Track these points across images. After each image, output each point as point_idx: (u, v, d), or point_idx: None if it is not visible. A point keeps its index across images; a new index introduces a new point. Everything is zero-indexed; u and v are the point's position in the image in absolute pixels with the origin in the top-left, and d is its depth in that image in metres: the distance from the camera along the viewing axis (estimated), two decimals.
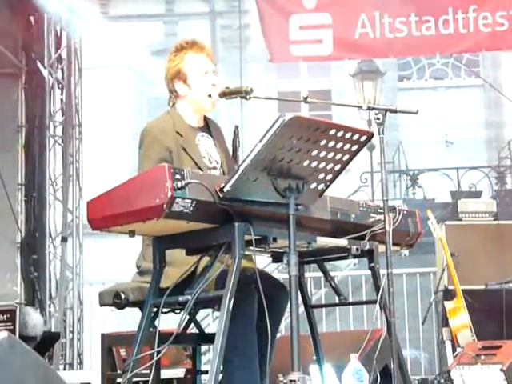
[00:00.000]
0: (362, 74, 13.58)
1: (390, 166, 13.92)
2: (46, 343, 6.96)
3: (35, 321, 6.88)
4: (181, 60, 3.81)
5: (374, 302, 3.54)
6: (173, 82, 3.82)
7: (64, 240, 8.36)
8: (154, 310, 3.36)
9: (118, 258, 9.23)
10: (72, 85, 8.69)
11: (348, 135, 3.17)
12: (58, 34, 8.70)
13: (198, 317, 3.96)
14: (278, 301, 3.57)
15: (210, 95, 3.78)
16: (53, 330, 7.78)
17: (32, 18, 8.57)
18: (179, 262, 3.35)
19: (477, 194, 12.44)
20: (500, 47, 9.05)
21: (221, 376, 3.28)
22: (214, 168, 3.76)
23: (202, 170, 3.65)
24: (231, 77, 12.58)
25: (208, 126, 3.89)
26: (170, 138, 3.69)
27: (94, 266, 9.17)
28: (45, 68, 8.46)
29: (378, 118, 3.46)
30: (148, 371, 3.25)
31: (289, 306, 3.09)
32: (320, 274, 3.89)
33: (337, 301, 3.87)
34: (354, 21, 8.74)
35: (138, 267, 3.69)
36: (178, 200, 2.92)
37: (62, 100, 8.68)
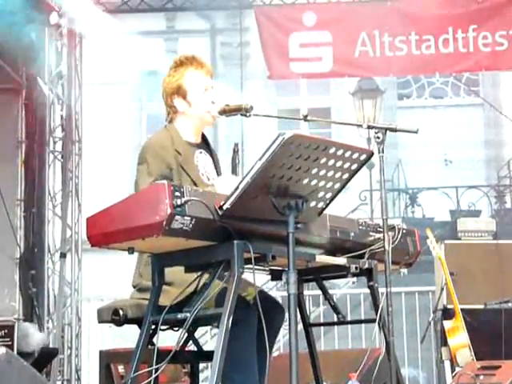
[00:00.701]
0: (361, 92, 13.59)
1: (389, 185, 13.91)
2: (43, 359, 6.94)
3: (33, 337, 6.86)
4: (181, 76, 3.82)
5: (373, 320, 3.54)
6: (172, 97, 3.82)
7: (63, 256, 8.35)
8: (153, 327, 3.36)
9: (116, 275, 9.20)
10: (72, 100, 8.70)
11: (348, 154, 3.17)
12: (59, 50, 8.73)
13: (196, 334, 3.95)
14: (274, 319, 3.57)
15: (208, 111, 3.79)
16: (51, 345, 7.75)
17: (33, 34, 8.58)
18: (178, 282, 3.34)
19: (476, 213, 12.44)
20: (500, 67, 9.08)
21: None
22: (212, 185, 3.75)
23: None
24: (231, 94, 12.59)
25: (206, 143, 3.90)
26: (170, 155, 3.69)
27: (92, 282, 9.15)
28: (45, 84, 8.47)
29: (378, 137, 3.47)
30: None
31: (288, 324, 3.08)
32: (318, 292, 3.88)
33: (335, 319, 3.86)
34: (354, 39, 8.78)
35: (134, 286, 3.68)
36: (177, 217, 2.92)
37: (61, 116, 8.68)
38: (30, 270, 8.08)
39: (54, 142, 8.59)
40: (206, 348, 4.04)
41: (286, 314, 3.24)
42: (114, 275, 10.27)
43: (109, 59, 15.18)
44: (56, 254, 8.36)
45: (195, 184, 3.66)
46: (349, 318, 7.32)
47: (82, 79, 8.89)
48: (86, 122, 9.04)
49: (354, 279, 9.26)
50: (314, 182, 3.16)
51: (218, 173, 3.88)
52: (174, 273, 3.31)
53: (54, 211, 8.45)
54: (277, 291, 9.22)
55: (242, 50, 13.59)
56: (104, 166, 14.13)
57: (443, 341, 6.49)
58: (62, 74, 8.70)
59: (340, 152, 3.15)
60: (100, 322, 3.78)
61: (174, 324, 3.50)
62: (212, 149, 3.99)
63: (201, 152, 3.84)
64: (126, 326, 3.69)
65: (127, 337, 4.11)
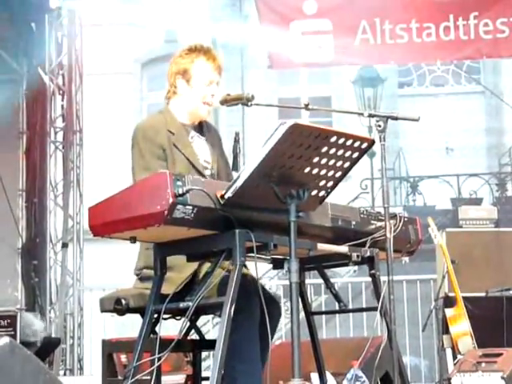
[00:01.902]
0: (362, 80, 13.60)
1: (390, 173, 13.92)
2: (46, 349, 6.97)
3: (35, 326, 6.88)
4: (191, 61, 3.82)
5: (375, 309, 3.54)
6: (176, 76, 3.82)
7: (64, 246, 8.37)
8: (155, 316, 3.37)
9: (118, 264, 9.22)
10: (73, 91, 8.71)
11: (349, 142, 3.17)
12: (59, 40, 8.72)
13: (198, 323, 3.96)
14: (270, 315, 3.57)
15: (207, 103, 3.79)
16: (53, 335, 7.78)
17: (33, 25, 8.59)
18: (179, 266, 3.35)
19: (477, 201, 12.44)
20: (501, 54, 9.05)
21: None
22: (205, 168, 3.76)
23: (195, 166, 3.68)
24: (232, 83, 12.60)
25: (201, 127, 3.89)
26: (163, 135, 3.70)
27: (94, 271, 9.17)
28: (46, 74, 8.47)
29: (380, 125, 3.46)
30: (149, 377, 3.26)
31: (290, 312, 3.09)
32: (320, 281, 3.89)
33: (337, 307, 3.87)
34: (354, 27, 8.74)
35: (137, 275, 3.69)
36: (179, 206, 2.92)
37: (62, 106, 8.69)
38: (32, 260, 8.10)
39: (55, 133, 8.60)
40: (208, 337, 4.05)
41: (288, 303, 3.25)
42: (115, 265, 10.30)
43: (109, 49, 15.18)
44: (58, 244, 8.38)
45: (190, 162, 3.67)
46: (350, 307, 7.33)
47: (82, 69, 8.89)
48: (87, 112, 9.04)
49: (356, 268, 9.28)
50: (315, 171, 3.16)
51: (217, 155, 3.86)
52: (172, 257, 3.32)
53: (55, 201, 8.46)
54: (278, 280, 9.25)
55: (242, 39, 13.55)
56: (105, 156, 14.14)
57: (445, 329, 6.49)
58: (62, 65, 8.70)
59: (341, 141, 3.15)
60: (102, 311, 3.79)
61: (176, 313, 3.51)
62: (214, 130, 3.98)
63: (195, 134, 3.84)
64: (127, 315, 3.69)
65: (129, 326, 4.12)
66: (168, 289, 3.30)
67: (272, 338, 3.69)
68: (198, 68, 3.81)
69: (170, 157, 3.65)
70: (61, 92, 8.70)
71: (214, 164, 3.80)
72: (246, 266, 3.50)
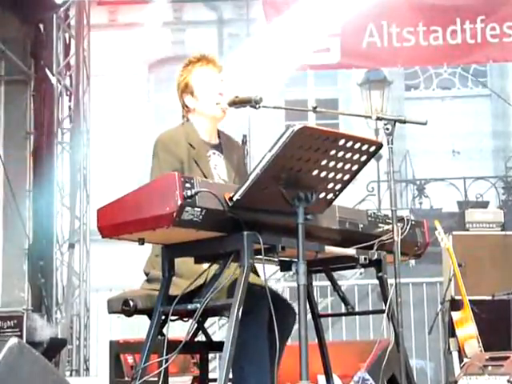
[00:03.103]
0: (369, 83, 13.59)
1: (396, 176, 13.86)
2: (52, 349, 6.97)
3: (42, 327, 6.89)
4: (188, 73, 3.87)
5: (382, 311, 3.55)
6: (183, 96, 3.87)
7: (71, 246, 8.39)
8: (163, 317, 3.37)
9: (124, 265, 9.24)
10: (80, 92, 8.73)
11: (357, 145, 3.18)
12: (67, 41, 8.75)
13: (205, 325, 3.97)
14: (286, 320, 3.57)
15: (218, 103, 3.80)
16: (59, 336, 7.78)
17: (41, 26, 8.61)
18: (188, 274, 3.36)
19: (484, 204, 12.42)
20: (507, 58, 9.06)
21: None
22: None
23: None
24: (239, 85, 12.56)
25: (220, 144, 3.90)
26: (183, 149, 3.72)
27: (100, 272, 9.18)
28: (53, 75, 8.50)
29: (387, 129, 3.47)
30: (156, 379, 3.26)
31: (298, 314, 3.09)
32: (326, 283, 3.89)
33: (343, 309, 3.87)
34: (361, 30, 8.76)
35: (146, 274, 3.70)
36: (187, 208, 2.93)
37: (70, 107, 8.72)
38: (39, 260, 8.11)
39: (63, 133, 8.62)
40: (214, 339, 4.05)
41: (294, 305, 3.25)
42: (122, 265, 10.32)
43: (116, 51, 15.20)
44: (64, 245, 8.40)
45: (205, 178, 3.66)
46: (357, 309, 7.32)
47: (90, 70, 8.91)
48: (94, 113, 9.06)
49: (362, 270, 9.28)
50: (323, 174, 3.17)
51: (235, 172, 3.87)
52: (183, 264, 3.33)
53: (62, 202, 8.48)
54: (285, 282, 9.25)
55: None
56: (112, 157, 14.16)
57: (451, 332, 6.49)
58: (70, 66, 8.72)
59: (349, 144, 3.15)
60: (110, 312, 3.80)
61: (184, 314, 3.52)
62: (233, 143, 3.99)
63: (214, 152, 3.85)
64: (134, 316, 3.70)
65: (135, 327, 4.13)
66: (175, 291, 3.31)
67: (286, 342, 3.69)
68: (196, 76, 3.85)
69: (188, 171, 3.66)
70: (68, 93, 8.72)
71: (230, 182, 3.81)
72: (256, 272, 3.51)
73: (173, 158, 3.68)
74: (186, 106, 3.87)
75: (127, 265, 7.53)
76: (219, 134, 3.93)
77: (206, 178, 3.64)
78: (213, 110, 3.83)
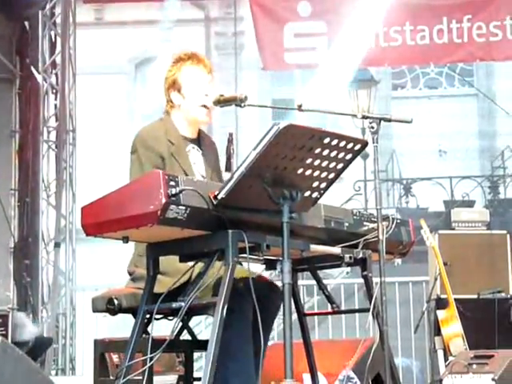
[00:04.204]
0: (355, 82, 13.59)
1: (383, 175, 13.93)
2: (38, 349, 6.94)
3: (27, 326, 6.86)
4: (177, 70, 3.86)
5: (367, 310, 3.55)
6: (169, 91, 3.86)
7: (57, 245, 8.35)
8: (148, 316, 3.36)
9: (110, 264, 9.21)
10: (66, 90, 8.69)
11: (342, 144, 3.18)
12: (53, 39, 8.71)
13: (191, 324, 3.96)
14: (271, 303, 3.57)
15: (204, 106, 3.79)
16: (45, 335, 7.75)
17: (26, 23, 8.58)
18: (172, 272, 3.35)
19: (470, 204, 12.45)
20: (493, 58, 9.08)
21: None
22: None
23: None
24: (225, 84, 12.58)
25: (199, 140, 3.91)
26: (162, 144, 3.72)
27: (86, 271, 9.16)
28: (39, 73, 8.46)
29: (373, 127, 3.47)
30: (140, 377, 3.25)
31: (282, 313, 3.09)
32: (312, 282, 3.89)
33: (329, 309, 3.87)
34: (348, 29, 8.76)
35: (130, 274, 3.69)
36: (172, 207, 2.92)
37: (55, 105, 8.68)
38: (24, 259, 8.09)
39: (48, 132, 8.59)
40: (200, 337, 4.05)
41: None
42: (108, 264, 10.28)
43: (103, 49, 15.16)
44: (50, 244, 8.36)
45: (185, 174, 3.67)
46: (343, 308, 7.33)
47: (75, 69, 8.88)
48: (80, 111, 9.03)
49: (348, 269, 9.29)
50: (308, 172, 3.17)
51: (212, 169, 3.87)
52: (167, 262, 3.32)
53: (48, 201, 8.45)
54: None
55: (236, 40, 13.57)
56: (98, 156, 14.12)
57: (436, 330, 6.51)
58: (56, 64, 8.68)
59: (334, 142, 3.15)
60: (94, 311, 3.78)
61: (168, 313, 3.51)
62: (211, 143, 4.00)
63: (193, 147, 3.86)
64: (120, 315, 3.69)
65: (122, 326, 4.11)
66: (159, 289, 3.30)
67: (271, 325, 3.70)
68: (186, 74, 3.84)
69: (169, 166, 3.66)
70: (54, 91, 8.68)
71: (208, 178, 3.81)
72: (241, 264, 3.51)
73: (153, 154, 3.68)
74: (171, 102, 3.86)
75: (113, 264, 7.49)
76: (199, 131, 3.94)
77: (186, 173, 3.65)
78: (197, 112, 3.83)
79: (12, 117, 8.43)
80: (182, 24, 15.84)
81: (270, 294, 3.59)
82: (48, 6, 8.54)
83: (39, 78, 8.45)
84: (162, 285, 3.31)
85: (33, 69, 8.46)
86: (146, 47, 15.90)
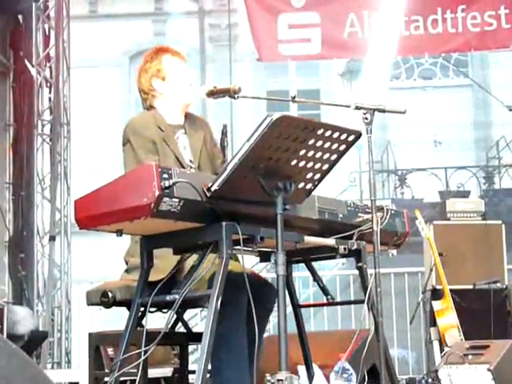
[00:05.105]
0: (350, 73, 13.58)
1: (378, 166, 13.92)
2: (33, 342, 6.93)
3: (23, 319, 6.85)
4: (159, 61, 3.92)
5: (362, 301, 3.54)
6: (151, 80, 3.90)
7: (52, 239, 8.33)
8: (142, 309, 3.36)
9: (106, 257, 9.21)
10: (60, 83, 8.66)
11: (336, 135, 3.17)
12: (47, 33, 8.68)
13: (186, 316, 3.96)
14: (265, 300, 3.57)
15: (187, 92, 3.86)
16: (41, 328, 7.75)
17: (20, 17, 8.54)
18: (165, 255, 3.34)
19: (465, 194, 12.45)
20: (488, 47, 9.06)
21: (209, 374, 3.28)
22: (190, 167, 3.78)
23: (181, 163, 3.72)
24: (220, 75, 12.57)
25: (186, 125, 3.92)
26: (153, 130, 3.76)
27: (82, 264, 9.14)
28: (33, 66, 8.43)
29: (366, 118, 3.46)
30: (135, 370, 3.25)
31: (276, 305, 3.08)
32: (308, 273, 3.89)
33: (325, 300, 3.87)
34: (342, 20, 8.74)
35: (126, 262, 3.70)
36: (165, 199, 2.91)
37: (50, 99, 8.64)
38: (20, 253, 8.07)
39: (43, 125, 8.55)
40: (196, 330, 4.04)
41: None
42: (103, 257, 10.29)
43: (97, 42, 15.13)
44: (45, 237, 8.34)
45: (177, 159, 3.73)
46: (338, 299, 7.33)
47: (70, 62, 8.85)
48: (75, 104, 9.00)
49: (344, 260, 9.29)
50: (302, 164, 3.16)
51: (202, 151, 3.88)
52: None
53: (42, 194, 8.42)
54: (267, 272, 9.24)
55: (230, 32, 13.53)
56: (93, 149, 14.11)
57: (432, 321, 6.52)
58: (50, 57, 8.65)
59: (328, 133, 3.14)
60: (89, 304, 3.78)
61: (162, 306, 3.50)
62: (200, 120, 4.03)
63: (182, 133, 3.89)
64: (116, 308, 3.69)
65: (118, 319, 4.11)
66: (155, 276, 3.30)
67: (266, 323, 3.70)
68: (168, 63, 3.91)
69: (161, 151, 3.68)
70: (48, 84, 8.65)
71: (195, 161, 3.82)
72: (237, 259, 3.51)
73: (144, 140, 3.71)
74: (154, 90, 3.88)
75: (109, 257, 7.50)
76: (186, 115, 3.96)
77: (177, 158, 3.70)
78: (184, 94, 3.89)
79: (6, 110, 8.41)
80: (176, 16, 15.83)
81: (264, 289, 3.59)
82: None
83: (33, 71, 8.42)
84: (156, 270, 3.31)
85: (27, 62, 8.43)
86: (141, 40, 15.88)
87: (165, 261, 3.35)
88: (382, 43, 8.77)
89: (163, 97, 3.89)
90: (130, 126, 3.77)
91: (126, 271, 3.67)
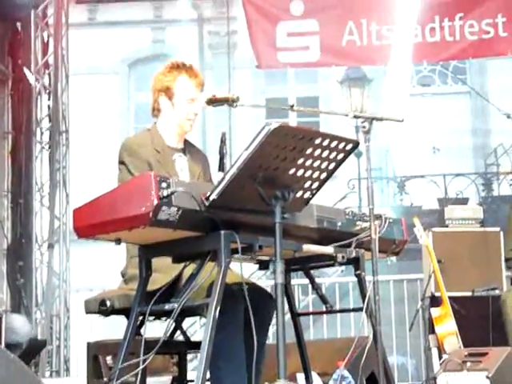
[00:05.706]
0: (349, 80, 13.59)
1: (377, 173, 13.94)
2: (32, 350, 6.92)
3: (21, 328, 6.84)
4: (173, 78, 3.87)
5: (361, 309, 3.55)
6: (159, 94, 3.88)
7: (51, 246, 8.33)
8: (140, 317, 3.36)
9: (105, 265, 9.20)
10: (59, 91, 8.68)
11: (333, 144, 3.18)
12: (45, 40, 8.69)
13: (185, 324, 3.96)
14: (265, 311, 3.57)
15: (189, 119, 3.84)
16: (39, 337, 7.74)
17: (19, 24, 8.55)
18: (165, 269, 3.35)
19: (464, 201, 12.45)
20: (486, 55, 9.08)
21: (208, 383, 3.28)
22: None
23: None
24: (219, 83, 12.58)
25: (185, 149, 3.92)
26: (149, 152, 3.76)
27: (81, 272, 9.14)
28: (31, 74, 8.44)
29: (364, 127, 3.48)
30: (134, 379, 3.25)
31: (275, 313, 3.09)
32: (307, 281, 3.89)
33: (324, 308, 3.87)
34: (341, 28, 8.76)
35: (122, 275, 3.70)
36: (163, 208, 2.92)
37: (48, 106, 8.66)
38: (18, 261, 8.06)
39: (41, 133, 8.57)
40: (195, 338, 4.05)
41: None
42: (102, 265, 10.27)
43: (96, 49, 15.14)
44: (44, 245, 8.34)
45: None
46: (338, 307, 7.33)
47: (68, 69, 8.86)
48: (73, 112, 9.01)
49: (343, 268, 9.29)
50: (300, 173, 3.17)
51: (200, 177, 3.88)
52: (158, 259, 3.32)
53: (41, 202, 8.43)
54: (266, 279, 9.25)
55: (229, 39, 13.55)
56: (92, 157, 14.11)
57: (431, 328, 6.51)
58: (48, 65, 8.66)
59: (326, 142, 3.15)
60: (87, 312, 3.78)
61: (161, 314, 3.51)
62: (199, 152, 4.02)
63: (180, 156, 3.89)
64: (115, 316, 3.69)
65: (117, 328, 4.11)
66: (153, 286, 3.30)
67: (266, 334, 3.70)
68: (181, 86, 3.86)
69: (156, 171, 3.67)
70: (47, 92, 8.66)
71: None
72: (237, 272, 3.51)
73: (140, 161, 3.70)
74: (158, 103, 3.89)
75: (108, 265, 7.49)
76: (185, 141, 3.96)
77: None
78: (183, 124, 3.88)
79: (5, 118, 8.41)
80: (176, 24, 15.85)
81: (263, 299, 3.59)
82: (40, 7, 8.51)
83: (32, 78, 8.43)
84: (154, 282, 3.31)
85: (25, 70, 8.44)
86: (140, 47, 15.90)
87: (163, 274, 3.35)
88: (379, 51, 8.78)
89: (165, 115, 3.89)
90: (126, 146, 3.77)
91: (124, 281, 3.67)
